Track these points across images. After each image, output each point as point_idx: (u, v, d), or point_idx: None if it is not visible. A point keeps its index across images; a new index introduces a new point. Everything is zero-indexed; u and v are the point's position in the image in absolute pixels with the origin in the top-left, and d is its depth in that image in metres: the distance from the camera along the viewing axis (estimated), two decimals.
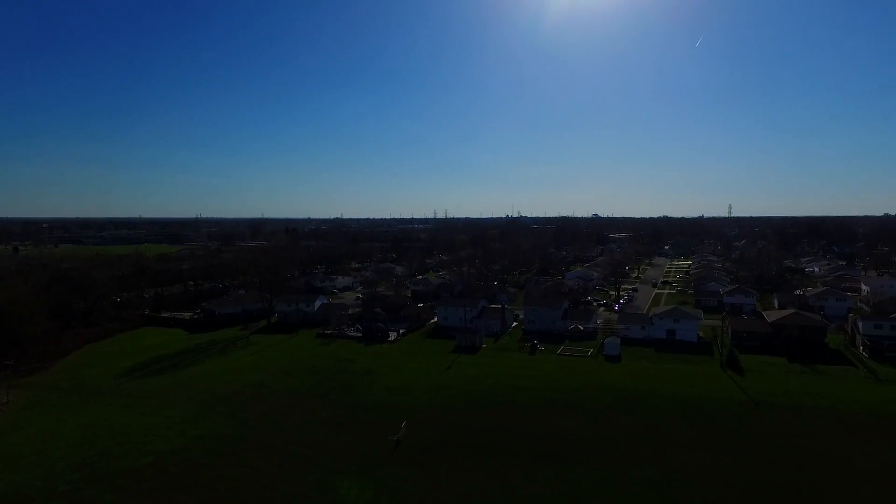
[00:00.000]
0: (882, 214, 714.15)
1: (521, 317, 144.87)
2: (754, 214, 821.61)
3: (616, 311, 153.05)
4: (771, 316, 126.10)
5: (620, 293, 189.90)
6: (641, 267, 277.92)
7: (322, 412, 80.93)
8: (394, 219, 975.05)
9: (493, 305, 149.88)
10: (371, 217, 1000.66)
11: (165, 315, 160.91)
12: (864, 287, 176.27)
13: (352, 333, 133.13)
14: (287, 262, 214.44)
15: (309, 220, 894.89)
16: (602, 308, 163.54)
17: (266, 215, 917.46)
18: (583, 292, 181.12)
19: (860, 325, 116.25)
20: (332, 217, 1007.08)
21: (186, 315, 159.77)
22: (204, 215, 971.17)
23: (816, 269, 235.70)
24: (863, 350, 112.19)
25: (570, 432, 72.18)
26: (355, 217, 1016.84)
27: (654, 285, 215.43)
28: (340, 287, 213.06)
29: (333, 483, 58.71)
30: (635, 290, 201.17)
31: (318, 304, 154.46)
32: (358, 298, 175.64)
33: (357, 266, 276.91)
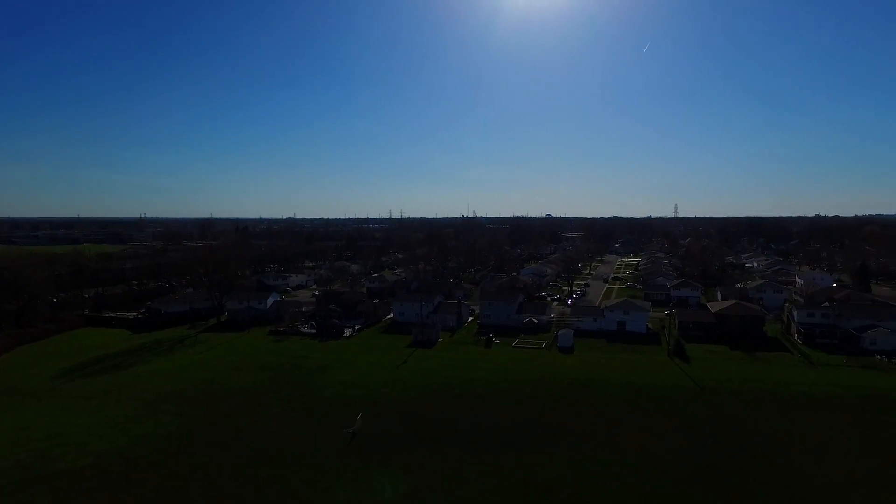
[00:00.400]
0: (814, 215, 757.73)
1: (477, 312, 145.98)
2: (698, 214, 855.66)
3: (569, 305, 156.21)
4: (714, 307, 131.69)
5: (573, 288, 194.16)
6: (593, 264, 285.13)
7: (275, 408, 79.02)
8: (349, 219, 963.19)
9: (449, 301, 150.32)
10: (325, 217, 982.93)
11: (107, 315, 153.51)
12: (798, 280, 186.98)
13: (306, 330, 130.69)
14: (238, 261, 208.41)
15: (261, 220, 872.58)
16: (555, 302, 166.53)
17: (215, 215, 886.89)
18: (537, 288, 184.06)
19: (795, 314, 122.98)
20: (284, 217, 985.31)
21: (130, 315, 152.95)
22: (148, 215, 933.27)
23: (755, 264, 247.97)
24: (797, 337, 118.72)
25: (526, 421, 73.07)
26: (309, 217, 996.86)
27: (606, 281, 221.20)
28: (294, 285, 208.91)
29: (287, 477, 57.38)
30: (587, 285, 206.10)
31: (270, 301, 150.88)
32: (314, 296, 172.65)
33: (311, 265, 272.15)
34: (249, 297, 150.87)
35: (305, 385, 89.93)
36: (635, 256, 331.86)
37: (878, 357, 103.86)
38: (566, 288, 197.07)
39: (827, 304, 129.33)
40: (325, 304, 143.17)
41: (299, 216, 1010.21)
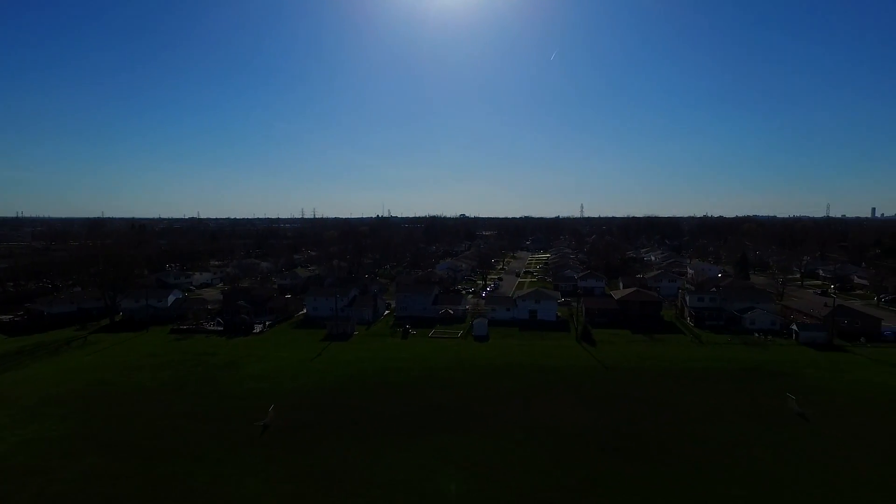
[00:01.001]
0: (702, 215, 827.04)
1: (393, 305, 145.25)
2: (602, 214, 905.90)
3: (483, 298, 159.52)
4: (617, 295, 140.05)
5: (487, 282, 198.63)
6: (506, 260, 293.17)
7: (178, 405, 74.00)
8: (258, 218, 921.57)
9: (364, 295, 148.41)
10: (233, 217, 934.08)
11: None
12: (689, 271, 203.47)
13: (212, 328, 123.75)
14: (134, 259, 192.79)
15: (160, 220, 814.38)
16: (470, 295, 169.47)
17: (107, 214, 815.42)
18: (452, 282, 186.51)
19: (687, 299, 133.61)
20: (187, 217, 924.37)
21: (5, 318, 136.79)
22: (26, 213, 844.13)
23: (653, 258, 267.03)
24: (689, 320, 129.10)
25: (442, 404, 73.69)
26: (215, 217, 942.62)
27: (518, 275, 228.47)
28: (198, 284, 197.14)
29: (192, 473, 53.86)
30: (500, 279, 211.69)
31: (171, 299, 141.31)
32: (222, 294, 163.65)
33: (218, 263, 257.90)
34: (148, 295, 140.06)
35: (212, 381, 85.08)
36: (545, 252, 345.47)
37: (757, 335, 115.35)
38: (480, 282, 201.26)
39: (714, 290, 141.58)
40: (232, 301, 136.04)
41: (204, 216, 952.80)
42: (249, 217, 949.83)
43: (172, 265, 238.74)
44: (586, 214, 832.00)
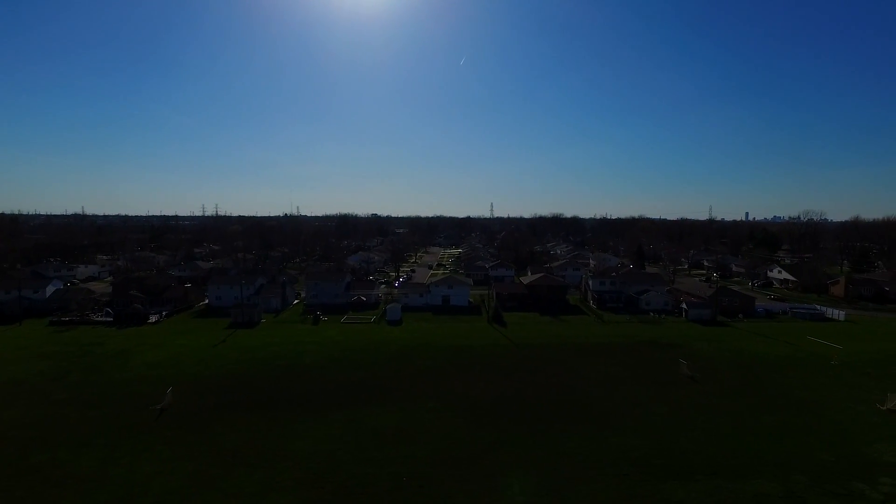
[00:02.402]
0: (603, 215, 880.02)
1: (304, 295, 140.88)
2: (511, 214, 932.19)
3: (396, 288, 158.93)
4: (526, 280, 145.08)
5: (400, 274, 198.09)
6: (418, 254, 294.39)
7: (58, 395, 66.94)
8: (153, 215, 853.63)
9: (272, 284, 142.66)
10: (124, 214, 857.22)
11: None
12: (592, 261, 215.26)
13: (100, 318, 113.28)
14: (2, 252, 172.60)
15: (36, 216, 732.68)
16: (383, 286, 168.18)
17: None
18: (365, 273, 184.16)
19: (590, 283, 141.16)
20: (70, 213, 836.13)
21: None
22: None
23: (559, 251, 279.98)
24: (592, 303, 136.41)
25: (355, 382, 72.48)
26: (102, 213, 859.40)
27: (430, 267, 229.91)
28: (83, 277, 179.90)
29: (76, 459, 48.88)
30: (413, 271, 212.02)
31: (50, 290, 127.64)
32: (113, 285, 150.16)
33: (106, 257, 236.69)
34: (21, 286, 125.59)
35: (99, 370, 77.86)
36: (457, 248, 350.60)
37: (652, 314, 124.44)
38: (393, 274, 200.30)
39: (614, 275, 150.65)
40: (124, 291, 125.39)
41: (90, 211, 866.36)
42: (143, 214, 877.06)
43: (53, 259, 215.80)
44: (496, 214, 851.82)
